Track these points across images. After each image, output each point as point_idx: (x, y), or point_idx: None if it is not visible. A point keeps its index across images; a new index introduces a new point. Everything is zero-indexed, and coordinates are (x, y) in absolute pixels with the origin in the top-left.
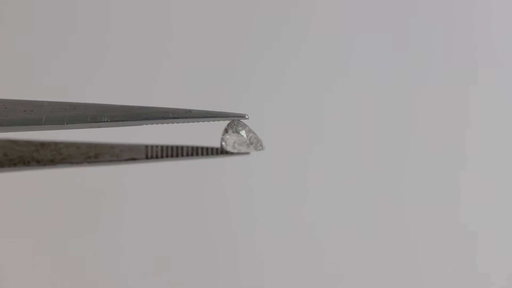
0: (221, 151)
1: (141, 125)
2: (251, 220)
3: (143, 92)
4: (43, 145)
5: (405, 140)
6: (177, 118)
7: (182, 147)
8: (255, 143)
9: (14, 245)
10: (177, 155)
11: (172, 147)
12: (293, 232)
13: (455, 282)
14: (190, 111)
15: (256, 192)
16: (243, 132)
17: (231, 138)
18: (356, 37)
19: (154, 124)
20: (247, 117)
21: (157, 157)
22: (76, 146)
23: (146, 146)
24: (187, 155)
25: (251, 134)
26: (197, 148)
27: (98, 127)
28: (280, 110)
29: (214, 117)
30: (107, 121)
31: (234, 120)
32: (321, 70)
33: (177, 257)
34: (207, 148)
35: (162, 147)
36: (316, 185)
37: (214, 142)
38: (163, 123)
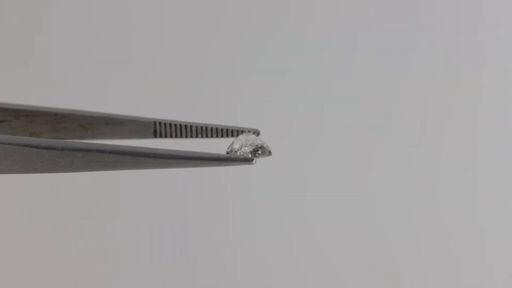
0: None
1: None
2: (252, 222)
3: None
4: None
5: (410, 141)
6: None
7: (191, 126)
8: (265, 147)
9: (12, 245)
10: (186, 135)
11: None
12: (295, 234)
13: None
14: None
15: (257, 193)
16: (251, 134)
17: (238, 141)
18: (357, 39)
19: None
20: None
21: (165, 136)
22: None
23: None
24: (196, 135)
25: (260, 140)
26: (206, 127)
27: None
28: (282, 111)
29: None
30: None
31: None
32: (322, 71)
33: (177, 257)
34: (216, 128)
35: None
36: (319, 188)
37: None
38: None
